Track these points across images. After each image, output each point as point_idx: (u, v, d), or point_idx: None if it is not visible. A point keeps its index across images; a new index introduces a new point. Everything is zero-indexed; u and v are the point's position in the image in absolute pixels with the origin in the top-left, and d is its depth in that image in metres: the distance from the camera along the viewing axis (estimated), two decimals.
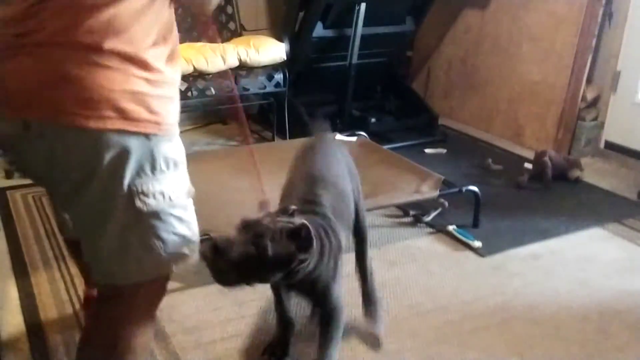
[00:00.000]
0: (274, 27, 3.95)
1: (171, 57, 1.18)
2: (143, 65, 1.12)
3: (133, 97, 1.10)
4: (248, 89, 3.42)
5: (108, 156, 1.11)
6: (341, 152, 1.82)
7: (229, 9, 3.71)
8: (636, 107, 3.39)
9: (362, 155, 2.94)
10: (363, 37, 3.54)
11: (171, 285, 2.07)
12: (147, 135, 1.13)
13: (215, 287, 2.10)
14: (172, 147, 1.19)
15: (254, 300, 2.04)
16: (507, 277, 2.25)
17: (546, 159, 3.10)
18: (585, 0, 3.32)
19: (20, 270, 2.17)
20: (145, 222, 1.19)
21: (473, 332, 1.91)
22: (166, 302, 1.99)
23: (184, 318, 1.93)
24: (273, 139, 3.67)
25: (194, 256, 1.31)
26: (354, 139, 3.11)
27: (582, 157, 3.41)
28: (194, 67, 3.17)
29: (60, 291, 2.04)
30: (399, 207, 2.71)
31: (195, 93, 3.25)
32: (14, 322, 1.88)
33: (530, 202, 2.92)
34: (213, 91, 3.30)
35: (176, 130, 1.21)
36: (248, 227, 1.32)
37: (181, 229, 1.24)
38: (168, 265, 1.26)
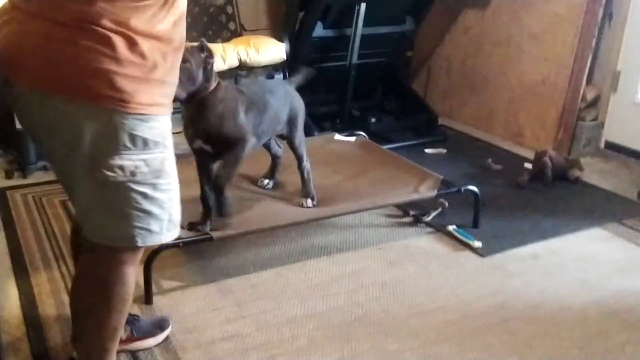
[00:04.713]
0: (274, 27, 3.95)
1: (153, 40, 1.23)
2: (111, 44, 1.17)
3: (97, 73, 1.18)
4: None
5: (71, 125, 1.22)
6: (285, 91, 2.32)
7: (229, 9, 3.71)
8: (636, 107, 3.39)
9: (361, 155, 2.94)
10: (363, 37, 3.54)
11: (171, 285, 2.10)
12: (108, 111, 1.20)
13: (216, 287, 2.11)
14: (145, 126, 1.25)
15: (254, 300, 2.04)
16: (507, 277, 2.25)
17: (546, 159, 3.10)
18: (585, 0, 3.32)
19: (20, 270, 2.17)
20: (106, 192, 1.28)
21: (473, 332, 1.91)
22: (166, 302, 2.01)
23: (184, 318, 1.93)
24: None
25: (167, 236, 1.39)
26: (353, 139, 3.11)
27: (582, 157, 3.41)
28: None
29: (60, 291, 2.04)
30: (399, 207, 2.72)
31: None
32: (14, 322, 1.88)
33: (530, 202, 2.91)
34: None
35: (158, 110, 1.27)
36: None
37: (146, 205, 1.31)
38: (132, 238, 1.34)
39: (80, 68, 1.18)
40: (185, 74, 1.86)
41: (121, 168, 1.25)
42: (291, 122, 2.32)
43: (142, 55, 1.21)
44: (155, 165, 1.29)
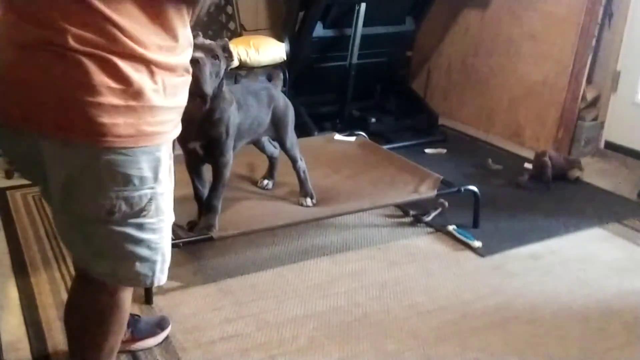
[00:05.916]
0: (274, 27, 3.95)
1: (139, 64, 1.08)
2: (82, 69, 1.03)
3: (68, 104, 1.04)
4: None
5: (45, 159, 1.12)
6: (268, 95, 2.29)
7: (229, 9, 3.71)
8: (636, 107, 3.39)
9: (361, 155, 2.94)
10: (363, 37, 3.54)
11: (171, 285, 2.10)
12: (80, 146, 1.07)
13: (216, 287, 2.11)
14: (126, 160, 1.10)
15: (254, 300, 2.04)
16: (507, 277, 2.25)
17: (546, 159, 3.10)
18: (585, 0, 3.32)
19: (20, 270, 2.17)
20: (83, 230, 1.19)
21: (473, 332, 1.92)
22: (166, 302, 2.01)
23: (184, 318, 1.93)
24: None
25: (160, 278, 1.28)
26: (353, 139, 3.11)
27: (582, 157, 3.41)
28: None
29: (60, 291, 2.04)
30: (399, 207, 2.72)
31: None
32: (14, 322, 1.88)
33: (530, 202, 2.91)
34: None
35: (146, 141, 1.11)
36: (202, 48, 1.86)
37: (129, 247, 1.19)
38: (117, 277, 1.25)
39: (49, 98, 1.04)
40: (215, 69, 1.85)
41: (96, 207, 1.12)
42: (277, 125, 2.31)
43: (122, 80, 1.05)
44: (140, 203, 1.15)
